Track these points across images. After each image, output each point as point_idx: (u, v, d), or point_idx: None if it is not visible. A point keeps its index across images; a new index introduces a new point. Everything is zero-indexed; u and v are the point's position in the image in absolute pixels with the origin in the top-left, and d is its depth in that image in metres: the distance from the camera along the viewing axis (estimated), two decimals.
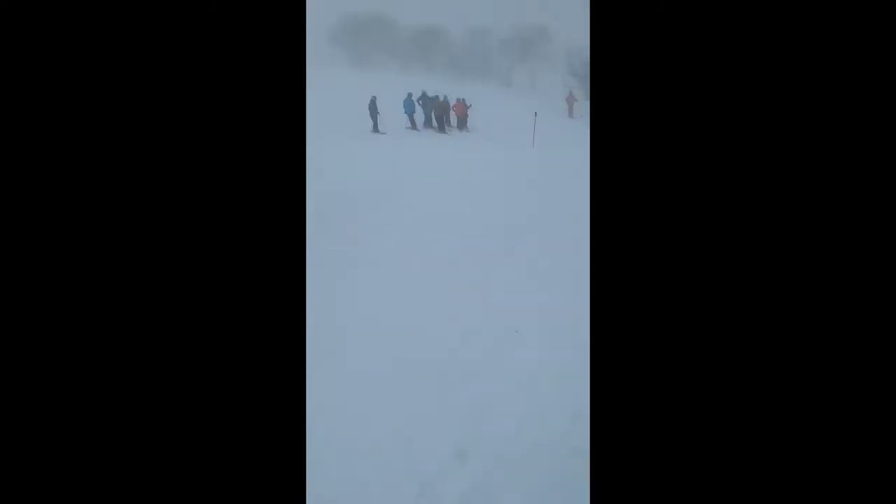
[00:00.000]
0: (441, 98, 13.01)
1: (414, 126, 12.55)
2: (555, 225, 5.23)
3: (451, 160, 8.60)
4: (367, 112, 11.49)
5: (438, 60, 33.27)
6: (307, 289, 1.25)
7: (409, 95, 12.51)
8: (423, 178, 7.14)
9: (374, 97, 11.55)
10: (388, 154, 8.81)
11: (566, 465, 2.11)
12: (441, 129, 12.73)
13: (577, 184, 6.35)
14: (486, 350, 3.03)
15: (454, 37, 35.55)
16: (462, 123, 13.46)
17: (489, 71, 31.81)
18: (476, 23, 35.54)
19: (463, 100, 13.52)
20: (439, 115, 12.76)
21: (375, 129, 11.50)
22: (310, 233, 1.65)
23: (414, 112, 12.58)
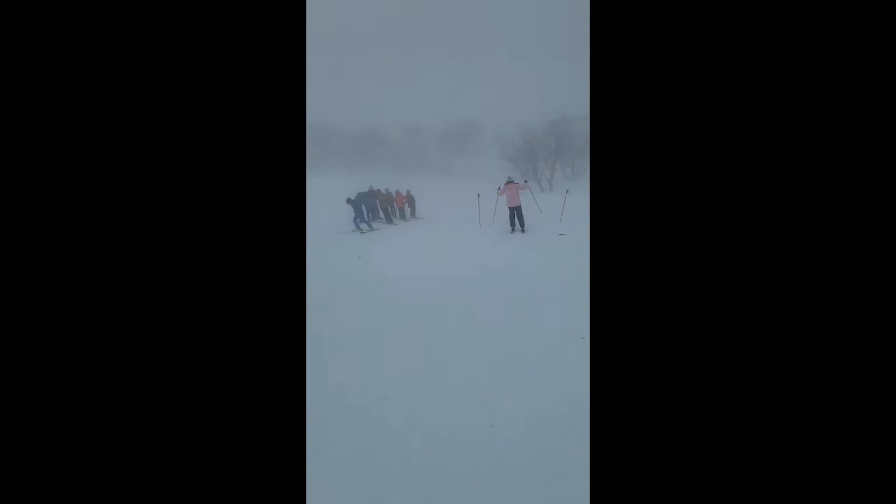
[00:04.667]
0: (384, 190, 13.35)
1: (358, 228, 11.42)
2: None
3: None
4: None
5: (380, 158, 34.94)
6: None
7: (348, 200, 11.59)
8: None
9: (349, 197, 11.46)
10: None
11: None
12: (388, 219, 12.89)
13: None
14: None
15: (392, 137, 37.84)
16: (410, 213, 13.80)
17: (429, 163, 33.59)
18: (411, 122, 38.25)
19: (407, 191, 13.98)
20: (384, 206, 12.99)
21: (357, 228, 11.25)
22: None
23: (358, 214, 11.57)
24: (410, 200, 13.96)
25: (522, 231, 9.06)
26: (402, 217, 13.61)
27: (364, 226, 11.64)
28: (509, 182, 9.43)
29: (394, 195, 13.59)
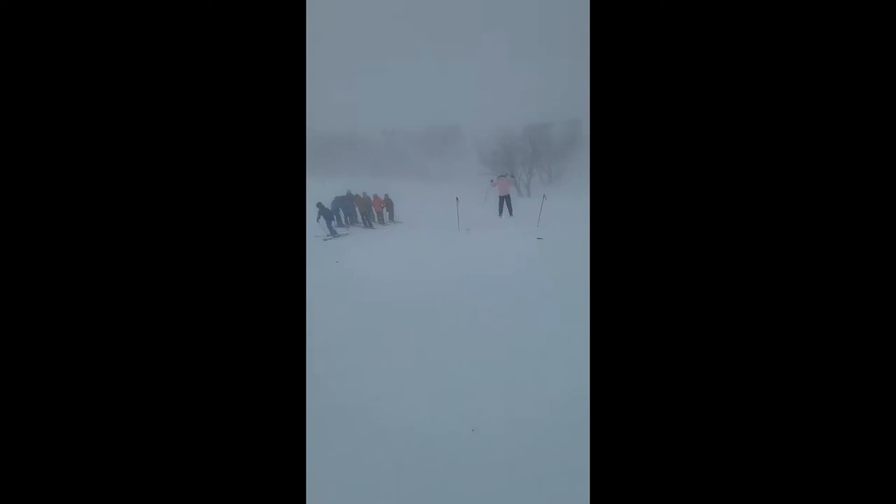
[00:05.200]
0: (362, 195, 13.28)
1: (332, 233, 11.27)
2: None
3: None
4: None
5: (359, 162, 34.60)
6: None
7: (319, 204, 11.33)
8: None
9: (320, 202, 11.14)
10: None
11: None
12: (367, 224, 12.82)
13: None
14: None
15: (371, 140, 37.58)
16: (389, 217, 13.75)
17: (408, 167, 33.48)
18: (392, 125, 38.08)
19: (385, 195, 13.93)
20: (363, 210, 12.92)
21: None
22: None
23: (328, 219, 11.49)
24: (389, 204, 13.91)
25: (511, 214, 11.34)
26: (381, 221, 13.55)
27: (342, 230, 11.55)
28: (501, 176, 12.11)
29: (372, 199, 13.52)
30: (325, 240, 10.83)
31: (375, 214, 13.49)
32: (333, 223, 11.50)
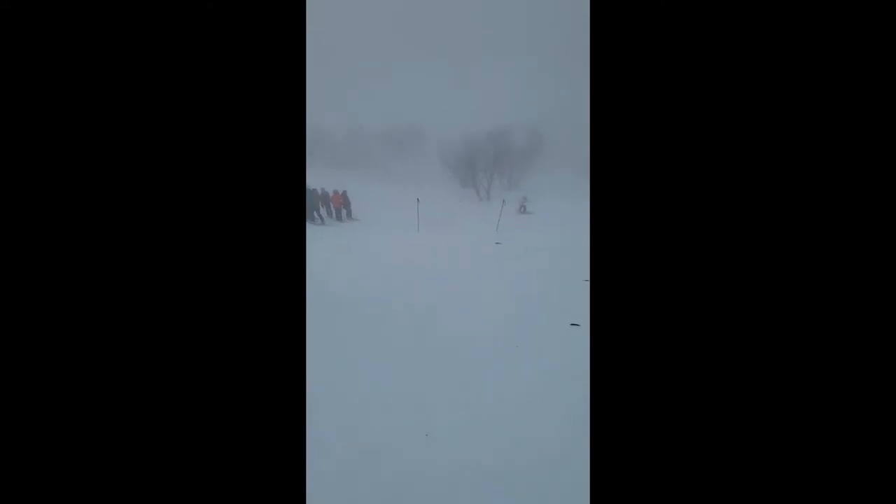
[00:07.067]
0: (319, 191, 12.89)
1: None
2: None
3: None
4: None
5: (320, 157, 33.91)
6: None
7: None
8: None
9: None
10: None
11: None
12: (322, 220, 12.46)
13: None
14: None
15: (333, 136, 36.92)
16: (346, 214, 13.43)
17: (369, 165, 33.09)
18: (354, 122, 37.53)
19: (343, 192, 13.59)
20: (319, 206, 12.56)
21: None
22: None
23: None
24: (346, 201, 13.59)
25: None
26: (339, 218, 13.22)
27: None
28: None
29: (330, 195, 13.16)
30: None
31: (333, 211, 13.15)
32: None
